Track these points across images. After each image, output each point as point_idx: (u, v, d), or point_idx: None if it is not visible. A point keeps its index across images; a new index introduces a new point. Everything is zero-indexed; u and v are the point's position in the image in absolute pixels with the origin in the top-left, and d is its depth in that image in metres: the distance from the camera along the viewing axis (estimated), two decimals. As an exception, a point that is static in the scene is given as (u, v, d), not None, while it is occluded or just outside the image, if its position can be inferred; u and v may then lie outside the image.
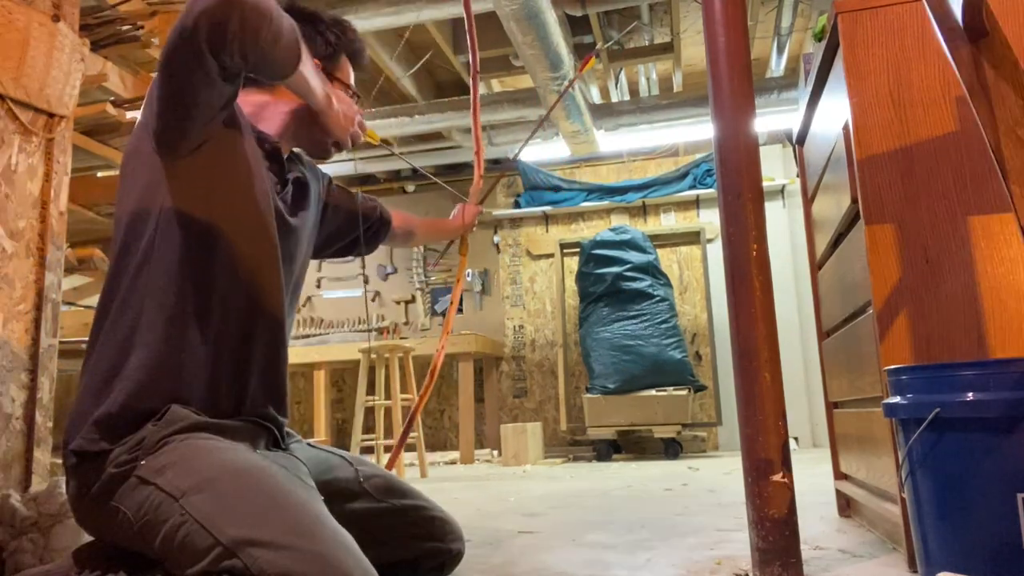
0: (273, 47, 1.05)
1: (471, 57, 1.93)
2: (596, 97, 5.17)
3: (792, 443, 4.28)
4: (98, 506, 1.03)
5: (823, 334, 2.16)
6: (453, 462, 5.03)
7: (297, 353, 5.34)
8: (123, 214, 1.13)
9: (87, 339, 1.12)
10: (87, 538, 1.15)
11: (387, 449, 4.59)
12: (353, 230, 1.58)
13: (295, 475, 1.08)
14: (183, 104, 1.07)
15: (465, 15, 1.93)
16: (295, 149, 1.38)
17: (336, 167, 5.67)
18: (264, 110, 1.29)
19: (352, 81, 1.41)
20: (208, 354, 1.10)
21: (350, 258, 1.67)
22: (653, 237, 5.31)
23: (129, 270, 1.10)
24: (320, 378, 5.28)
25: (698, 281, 5.49)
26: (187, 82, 1.05)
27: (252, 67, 1.07)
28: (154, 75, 1.12)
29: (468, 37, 1.93)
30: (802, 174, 2.30)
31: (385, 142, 5.29)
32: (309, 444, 1.35)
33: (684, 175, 5.61)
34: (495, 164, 6.23)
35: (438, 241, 1.92)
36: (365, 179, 6.41)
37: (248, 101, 1.29)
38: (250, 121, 1.25)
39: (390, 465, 1.62)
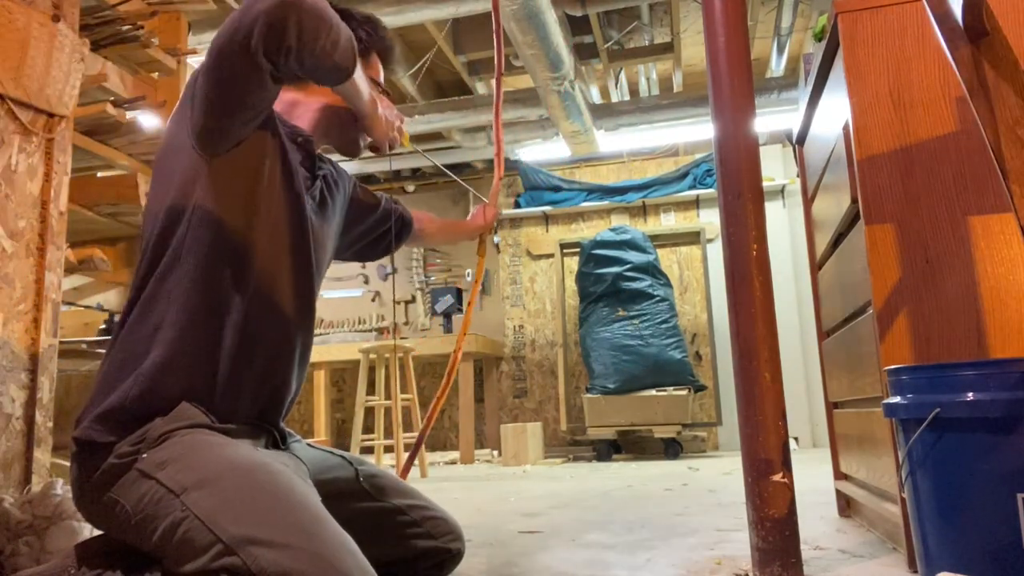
0: (331, 53, 1.05)
1: (496, 58, 1.91)
2: (596, 97, 5.17)
3: (792, 443, 4.28)
4: (96, 495, 1.03)
5: (823, 334, 2.16)
6: (453, 462, 5.03)
7: (297, 353, 5.33)
8: (158, 209, 1.12)
9: (95, 337, 1.13)
10: (83, 539, 1.15)
11: (387, 449, 4.59)
12: (376, 231, 1.58)
13: (296, 474, 1.08)
14: (229, 105, 1.07)
15: (494, 17, 1.91)
16: (323, 146, 1.38)
17: (336, 167, 5.66)
18: (295, 108, 1.29)
19: (382, 79, 1.40)
20: (225, 355, 1.10)
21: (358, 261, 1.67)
22: (653, 237, 5.31)
23: (159, 267, 1.10)
24: (320, 378, 5.28)
25: (698, 281, 5.49)
26: (237, 84, 1.04)
27: (307, 71, 1.07)
28: (197, 70, 1.10)
29: (495, 39, 1.91)
30: (802, 174, 2.30)
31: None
32: (309, 444, 1.35)
33: (684, 175, 5.61)
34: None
35: (456, 242, 1.91)
36: (365, 179, 6.41)
37: (279, 99, 1.29)
38: (282, 117, 1.25)
39: (403, 473, 1.62)
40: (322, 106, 1.30)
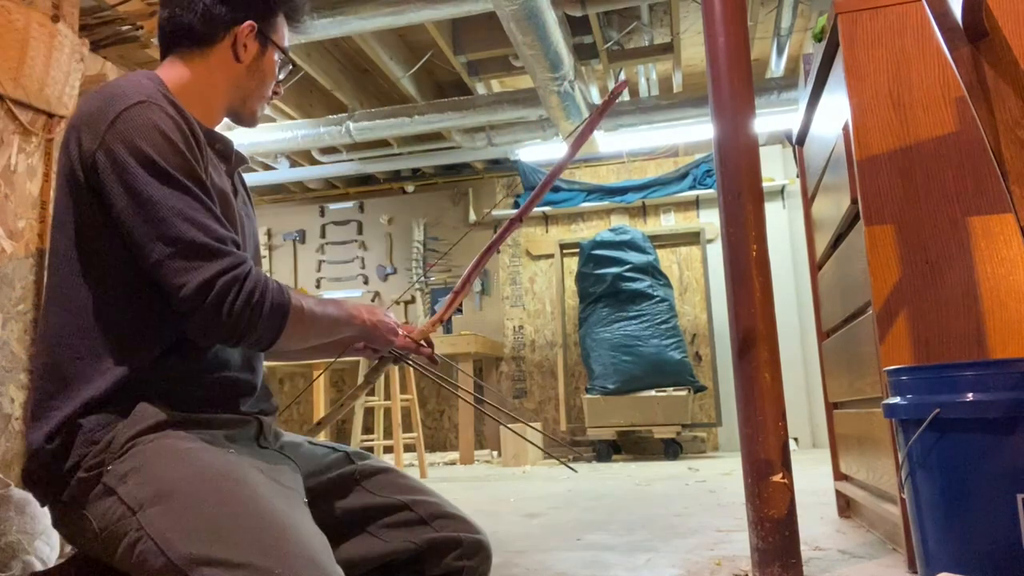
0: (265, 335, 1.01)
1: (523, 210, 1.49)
2: (596, 97, 5.17)
3: (792, 443, 4.28)
4: (68, 513, 0.98)
5: (823, 334, 2.16)
6: (453, 463, 5.03)
7: (297, 353, 5.33)
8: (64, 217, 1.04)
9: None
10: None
11: (387, 449, 4.59)
12: None
13: (272, 479, 1.00)
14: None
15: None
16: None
17: (337, 167, 5.66)
18: (206, 92, 1.16)
19: (287, 43, 1.25)
20: (181, 350, 1.03)
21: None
22: (653, 237, 5.31)
23: (91, 275, 1.02)
24: (320, 378, 5.28)
25: (698, 281, 5.49)
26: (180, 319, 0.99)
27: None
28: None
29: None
30: (802, 174, 2.30)
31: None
32: (309, 442, 1.32)
33: (684, 175, 5.62)
34: (495, 164, 6.23)
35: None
36: (365, 179, 6.41)
37: (175, 74, 1.13)
38: (179, 103, 1.08)
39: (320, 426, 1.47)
40: (228, 86, 1.18)
